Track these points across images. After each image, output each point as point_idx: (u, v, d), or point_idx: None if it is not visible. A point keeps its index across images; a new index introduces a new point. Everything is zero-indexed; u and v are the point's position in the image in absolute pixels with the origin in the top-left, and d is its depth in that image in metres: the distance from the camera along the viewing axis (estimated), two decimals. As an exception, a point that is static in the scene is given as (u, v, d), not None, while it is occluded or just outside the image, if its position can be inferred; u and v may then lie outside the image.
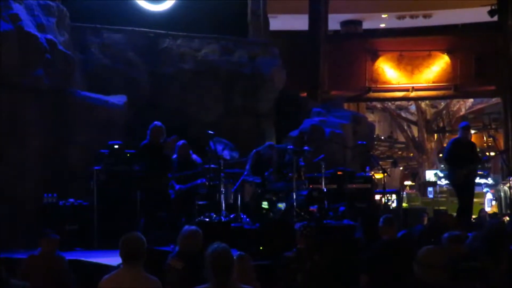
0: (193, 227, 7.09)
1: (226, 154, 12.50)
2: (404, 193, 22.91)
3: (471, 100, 30.34)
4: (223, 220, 10.89)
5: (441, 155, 31.44)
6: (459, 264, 6.25)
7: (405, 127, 32.48)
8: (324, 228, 10.88)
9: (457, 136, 13.04)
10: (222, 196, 11.21)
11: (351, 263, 8.29)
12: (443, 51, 23.11)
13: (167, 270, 6.82)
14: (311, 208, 12.11)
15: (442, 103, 30.79)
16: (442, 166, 30.07)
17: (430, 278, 5.40)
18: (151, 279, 5.44)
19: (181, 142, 12.30)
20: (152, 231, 10.21)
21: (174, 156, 12.12)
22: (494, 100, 27.82)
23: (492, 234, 7.02)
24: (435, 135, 32.00)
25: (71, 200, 11.53)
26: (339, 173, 13.42)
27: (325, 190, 12.45)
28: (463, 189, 12.16)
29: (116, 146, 11.91)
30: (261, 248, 9.49)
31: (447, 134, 32.31)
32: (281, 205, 11.97)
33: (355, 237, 10.36)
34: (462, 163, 12.02)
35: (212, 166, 11.64)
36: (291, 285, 7.41)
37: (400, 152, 35.54)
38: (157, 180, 11.10)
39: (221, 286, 4.82)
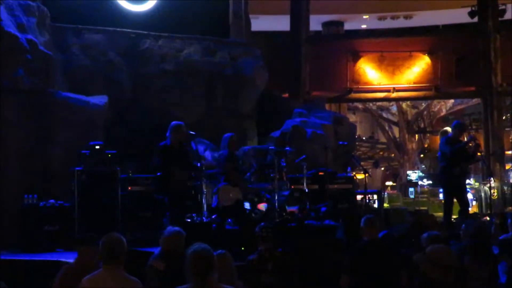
0: (176, 228, 7.08)
1: (207, 154, 12.51)
2: (386, 193, 22.99)
3: (452, 100, 30.50)
4: (204, 220, 10.89)
5: (422, 155, 31.64)
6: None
7: (387, 128, 32.59)
8: (305, 228, 10.92)
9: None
10: (204, 197, 11.21)
11: (333, 263, 8.32)
12: (424, 52, 23.20)
13: (148, 271, 6.80)
14: (292, 209, 12.15)
15: (423, 104, 30.94)
16: (423, 166, 30.25)
17: (437, 276, 5.46)
18: (131, 279, 5.43)
19: (229, 134, 12.20)
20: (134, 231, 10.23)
21: (225, 151, 12.05)
22: (475, 101, 28.01)
23: (478, 236, 7.08)
24: (416, 135, 32.15)
25: (52, 201, 11.45)
26: (320, 173, 13.46)
27: (306, 190, 12.48)
28: (456, 189, 12.19)
29: (97, 147, 11.83)
30: (242, 248, 9.50)
31: (428, 134, 32.50)
32: (263, 206, 11.99)
33: (336, 238, 10.40)
34: (456, 161, 12.04)
35: (194, 166, 11.61)
36: (257, 286, 7.43)
37: (381, 153, 35.68)
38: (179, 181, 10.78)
39: (201, 287, 4.81)
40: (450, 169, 12.08)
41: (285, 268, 7.53)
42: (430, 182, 25.01)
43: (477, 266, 6.79)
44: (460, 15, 22.70)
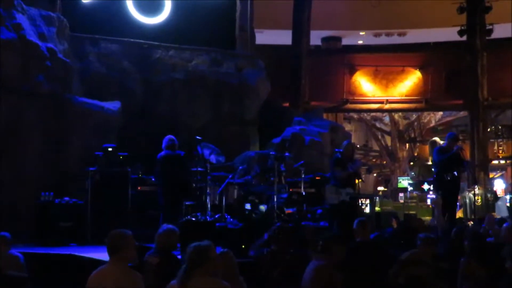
0: (170, 226, 7.02)
1: (212, 158, 12.48)
2: (377, 198, 22.95)
3: (441, 113, 30.50)
4: (208, 219, 10.87)
5: (412, 163, 31.59)
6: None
7: (379, 137, 32.59)
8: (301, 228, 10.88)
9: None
10: (208, 197, 11.19)
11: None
12: (415, 67, 23.25)
13: (144, 265, 6.78)
14: (290, 210, 12.11)
15: (414, 115, 30.96)
16: (413, 173, 30.19)
17: (417, 277, 5.43)
18: (134, 272, 5.40)
19: (346, 141, 12.30)
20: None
21: (338, 154, 12.07)
22: (462, 113, 27.97)
23: (476, 239, 7.03)
24: (407, 144, 32.13)
25: (66, 198, 11.44)
26: (317, 178, 13.42)
27: (304, 193, 12.45)
28: (447, 192, 12.18)
29: (110, 149, 11.86)
30: (243, 246, 9.46)
31: (417, 144, 32.48)
32: (263, 207, 11.96)
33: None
34: (447, 169, 12.03)
35: (199, 169, 11.60)
36: (268, 278, 7.37)
37: (374, 160, 35.61)
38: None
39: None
40: (442, 176, 12.09)
41: (293, 270, 7.45)
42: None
43: (474, 267, 6.72)
44: (450, 34, 22.64)
